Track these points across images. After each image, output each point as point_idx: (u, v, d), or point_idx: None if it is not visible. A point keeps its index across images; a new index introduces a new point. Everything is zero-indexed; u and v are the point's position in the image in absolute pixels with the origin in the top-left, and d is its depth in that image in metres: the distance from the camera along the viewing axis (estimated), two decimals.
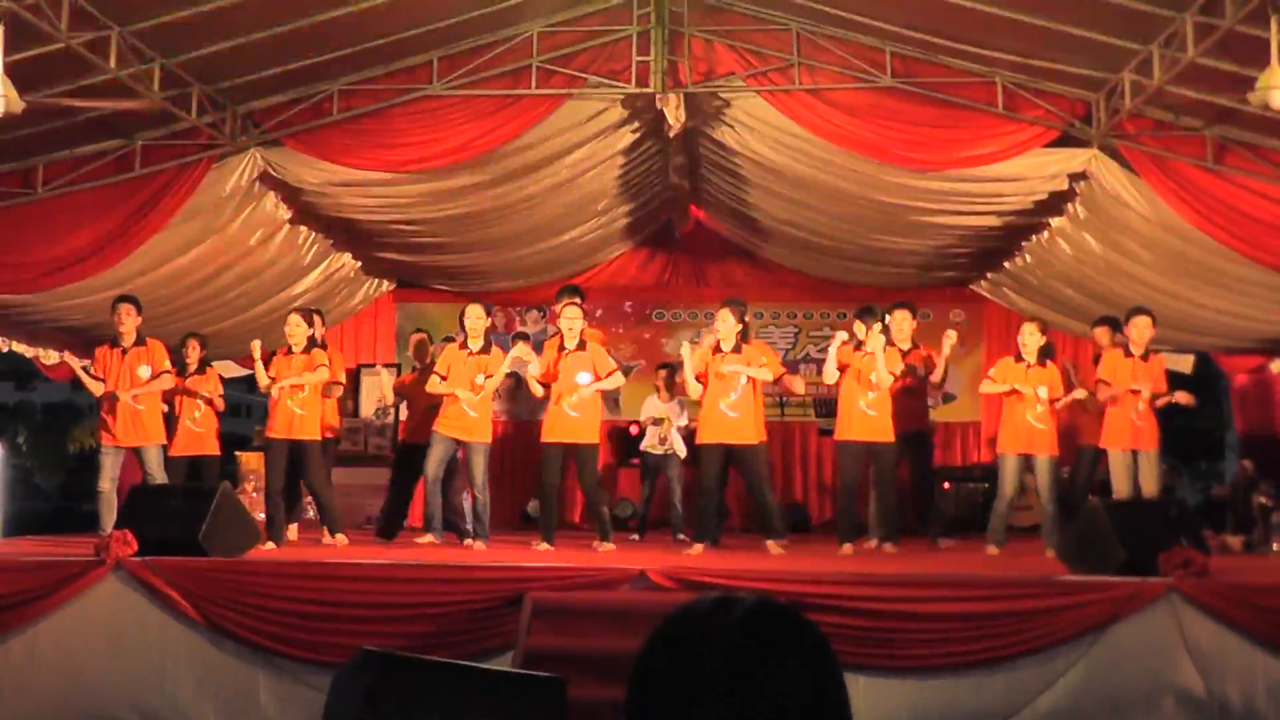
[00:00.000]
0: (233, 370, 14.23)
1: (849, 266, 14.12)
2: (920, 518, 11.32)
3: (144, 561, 7.64)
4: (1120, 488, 9.60)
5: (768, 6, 9.86)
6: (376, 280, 14.47)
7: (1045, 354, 9.94)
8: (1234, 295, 10.98)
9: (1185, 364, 14.75)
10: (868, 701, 6.99)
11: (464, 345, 9.97)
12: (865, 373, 9.65)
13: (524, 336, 14.32)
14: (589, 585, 7.56)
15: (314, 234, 12.20)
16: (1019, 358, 9.91)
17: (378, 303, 15.05)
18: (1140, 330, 9.69)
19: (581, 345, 9.85)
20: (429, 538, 9.91)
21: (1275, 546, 10.36)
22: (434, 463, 9.89)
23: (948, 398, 11.03)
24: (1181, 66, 8.41)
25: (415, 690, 3.06)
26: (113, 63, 8.60)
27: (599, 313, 15.13)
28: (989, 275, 13.89)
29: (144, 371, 9.75)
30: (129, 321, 9.79)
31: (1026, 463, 9.79)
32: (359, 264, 13.64)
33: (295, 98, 10.18)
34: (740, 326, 9.64)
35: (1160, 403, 9.70)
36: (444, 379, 9.88)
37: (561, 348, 9.85)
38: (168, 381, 9.97)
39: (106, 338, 9.99)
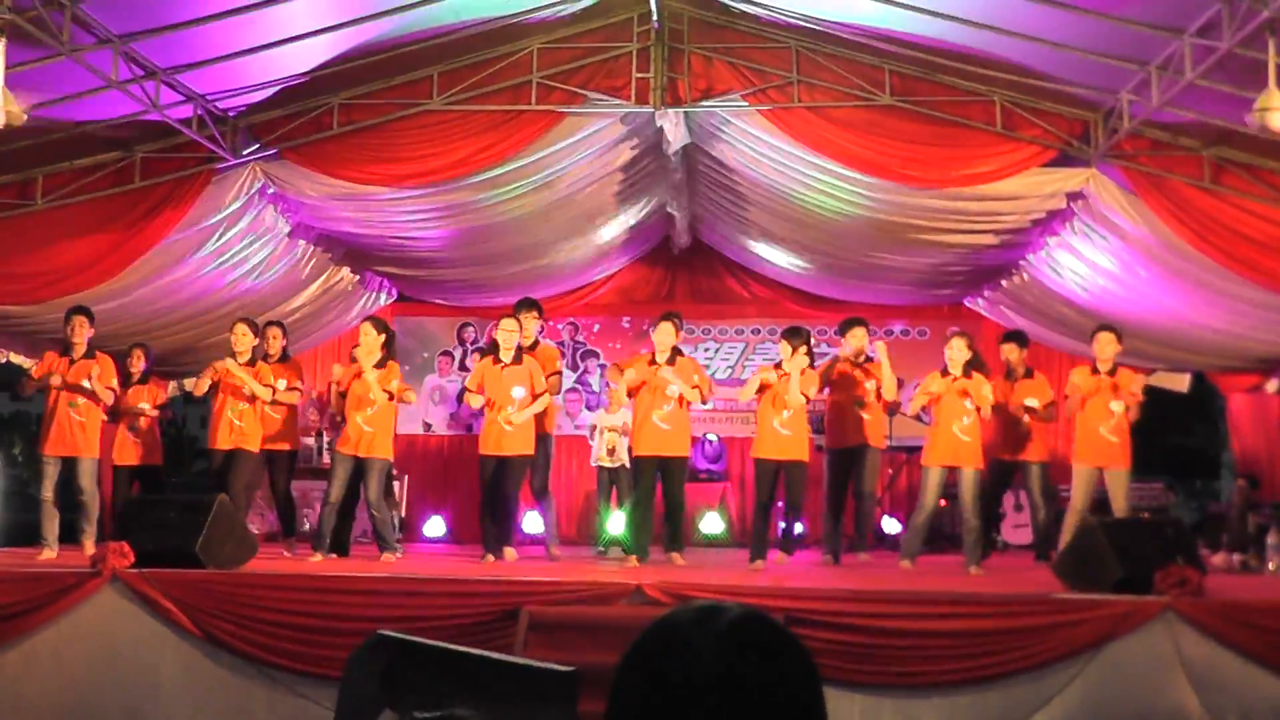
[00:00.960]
0: None
1: (845, 283, 14.13)
2: (857, 531, 11.18)
3: (140, 573, 7.63)
4: (1076, 502, 9.65)
5: (767, 25, 9.90)
6: (374, 294, 14.46)
7: (971, 366, 9.91)
8: (1230, 314, 11.00)
9: (1181, 382, 14.75)
10: (863, 719, 6.99)
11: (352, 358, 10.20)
12: (780, 393, 9.69)
13: None
14: (585, 600, 7.55)
15: (312, 247, 12.20)
16: (945, 371, 9.90)
17: (376, 315, 15.03)
18: (1104, 346, 9.76)
19: (518, 359, 9.88)
20: (391, 556, 9.86)
21: (1271, 565, 10.36)
22: (337, 484, 9.83)
23: (892, 411, 10.98)
24: (1180, 88, 8.44)
25: (429, 675, 3.07)
26: (114, 75, 8.62)
27: (596, 327, 15.16)
28: (986, 293, 13.91)
29: (87, 383, 9.72)
30: (81, 333, 9.79)
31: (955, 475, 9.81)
32: (357, 277, 13.64)
33: (295, 111, 10.20)
34: (676, 340, 9.85)
35: (1133, 414, 9.70)
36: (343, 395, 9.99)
37: (497, 360, 9.89)
38: (106, 396, 9.86)
39: (114, 350, 10.00)
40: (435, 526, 14.24)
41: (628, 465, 11.94)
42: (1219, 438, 19.07)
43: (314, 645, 7.35)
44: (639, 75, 10.01)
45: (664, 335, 9.80)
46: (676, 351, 9.87)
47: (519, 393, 9.76)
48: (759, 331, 15.01)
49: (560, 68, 10.10)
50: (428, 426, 15.16)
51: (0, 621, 7.52)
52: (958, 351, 9.82)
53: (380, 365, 9.83)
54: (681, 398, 9.75)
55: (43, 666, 7.51)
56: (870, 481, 10.67)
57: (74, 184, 10.19)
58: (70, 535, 9.94)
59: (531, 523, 12.56)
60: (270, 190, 10.69)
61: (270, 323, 11.00)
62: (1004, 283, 13.20)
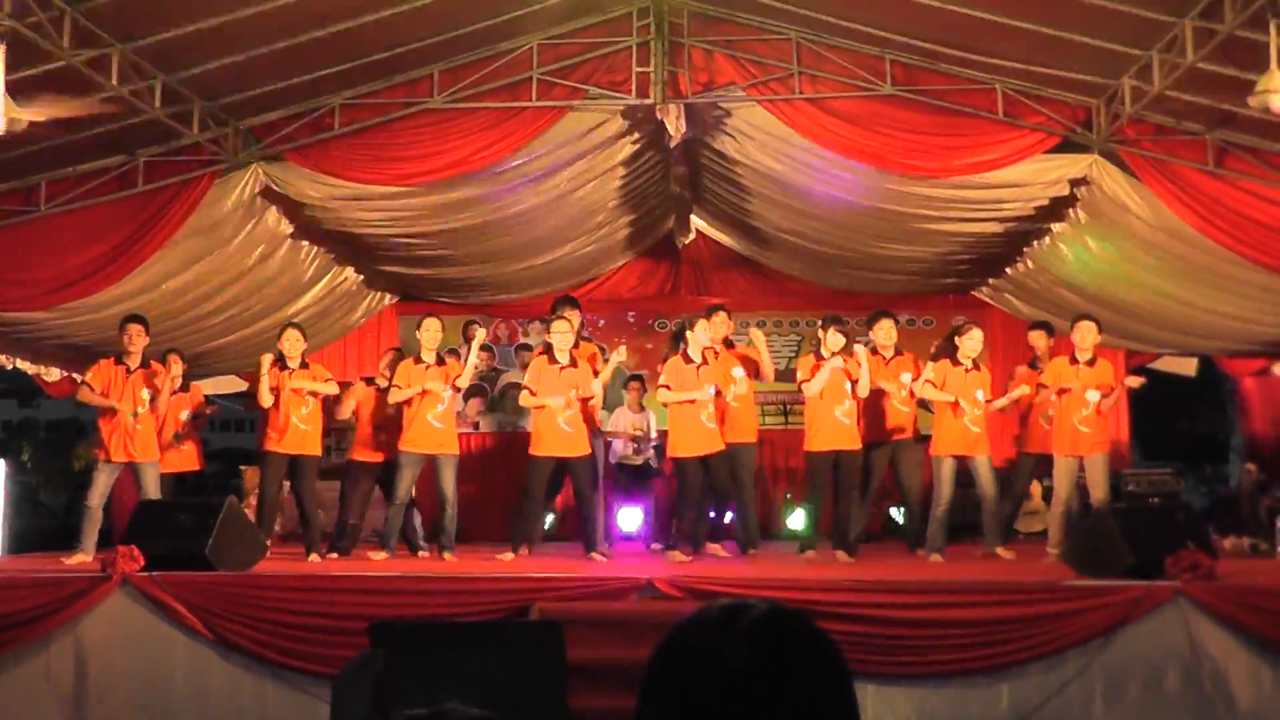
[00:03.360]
0: (235, 385, 14.26)
1: (851, 275, 14.13)
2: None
3: (151, 576, 7.65)
4: (1060, 493, 9.69)
5: (767, 16, 9.88)
6: (379, 294, 14.47)
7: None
8: (1236, 298, 10.99)
9: (1189, 367, 14.75)
10: (875, 709, 7.00)
11: (419, 359, 10.09)
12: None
13: (527, 349, 14.32)
14: (596, 595, 7.56)
15: (316, 248, 12.21)
16: (956, 362, 10.05)
17: (380, 316, 15.05)
18: (1084, 335, 9.78)
19: (573, 363, 9.91)
20: (383, 555, 9.82)
21: None
22: (406, 485, 9.97)
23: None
24: (1181, 71, 8.42)
25: (418, 655, 3.09)
26: (115, 80, 8.62)
27: (601, 323, 15.14)
28: (991, 281, 13.90)
29: (146, 395, 9.76)
30: (138, 342, 9.81)
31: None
32: (361, 278, 13.65)
33: (297, 112, 10.19)
34: (708, 333, 9.96)
35: (1106, 404, 9.67)
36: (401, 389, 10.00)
37: (554, 361, 9.89)
38: (163, 404, 9.99)
39: (111, 353, 9.98)
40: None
41: (653, 464, 12.06)
42: (1228, 422, 19.07)
43: (325, 645, 7.35)
44: (639, 69, 9.99)
45: (700, 333, 9.88)
46: (727, 344, 10.09)
47: (573, 394, 9.81)
48: (764, 324, 14.99)
49: (560, 63, 10.08)
50: None
51: (15, 627, 7.54)
52: (973, 342, 9.89)
53: (441, 362, 10.12)
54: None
55: (57, 671, 7.53)
56: (916, 476, 10.62)
57: (77, 189, 10.20)
58: (109, 541, 9.94)
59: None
60: (273, 191, 10.68)
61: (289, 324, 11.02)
62: (1009, 270, 13.19)
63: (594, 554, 9.70)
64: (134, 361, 9.81)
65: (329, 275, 12.94)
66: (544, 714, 3.57)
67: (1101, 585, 7.26)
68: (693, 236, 14.27)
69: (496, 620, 6.96)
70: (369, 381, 11.12)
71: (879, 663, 7.00)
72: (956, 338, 10.09)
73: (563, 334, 9.92)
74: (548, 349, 10.01)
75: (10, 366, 11.87)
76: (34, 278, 10.20)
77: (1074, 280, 12.10)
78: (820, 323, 10.25)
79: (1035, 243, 12.02)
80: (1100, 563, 7.60)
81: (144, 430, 9.79)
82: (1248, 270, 9.98)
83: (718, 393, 9.89)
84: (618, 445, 12.33)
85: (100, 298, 10.46)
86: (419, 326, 10.26)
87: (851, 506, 9.99)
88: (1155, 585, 7.09)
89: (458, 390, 10.18)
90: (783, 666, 1.41)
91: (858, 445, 9.89)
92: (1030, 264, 12.59)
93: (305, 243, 11.96)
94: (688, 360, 9.81)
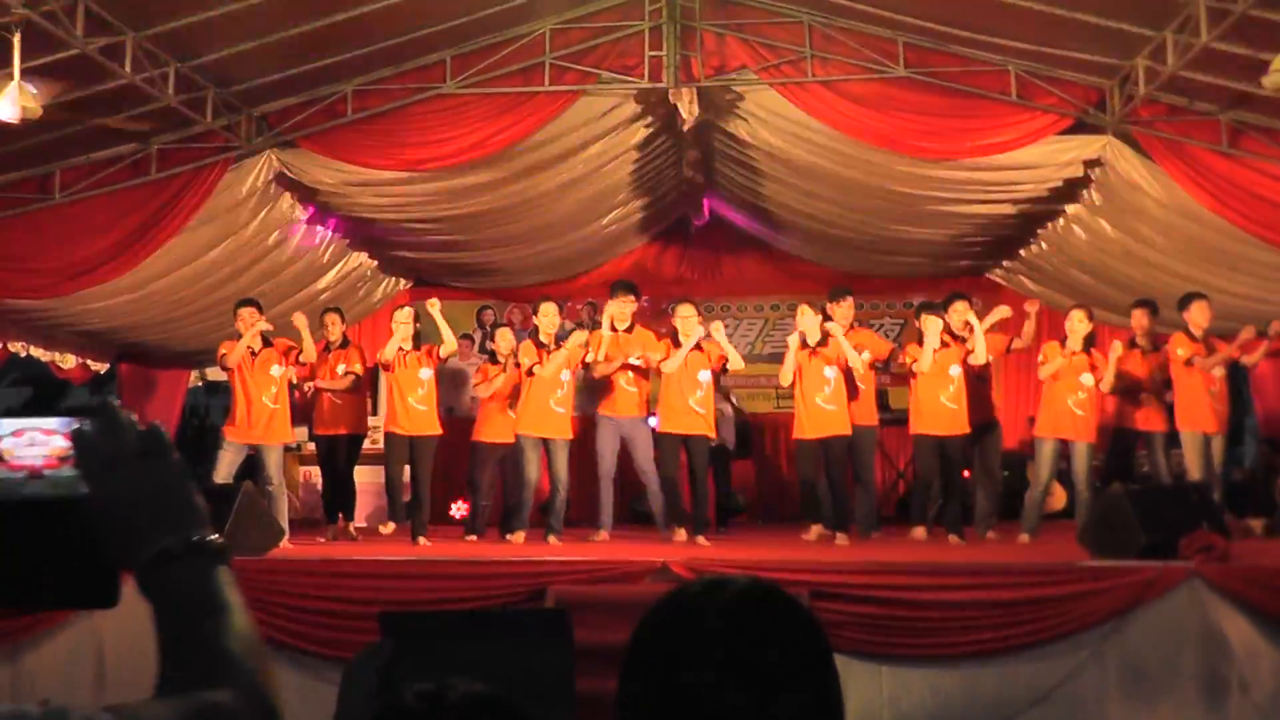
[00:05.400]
0: None
1: (864, 257, 14.09)
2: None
3: None
4: (1194, 470, 9.60)
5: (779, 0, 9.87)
6: (394, 278, 14.47)
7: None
8: (1250, 279, 10.94)
9: None
10: (891, 691, 7.02)
11: (538, 343, 10.13)
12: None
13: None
14: (611, 579, 7.59)
15: (329, 233, 12.22)
16: (1063, 343, 10.03)
17: (396, 300, 15.04)
18: (1205, 313, 9.85)
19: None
20: (520, 536, 9.88)
21: None
22: (536, 466, 9.99)
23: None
24: (1195, 51, 8.39)
25: (425, 643, 3.12)
26: (128, 68, 8.64)
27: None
28: (1005, 263, 13.85)
29: (276, 370, 9.89)
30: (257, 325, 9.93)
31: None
32: (376, 263, 13.66)
33: (310, 99, 10.20)
34: (819, 318, 10.02)
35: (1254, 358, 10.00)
36: (530, 374, 9.99)
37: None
38: (343, 383, 10.58)
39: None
40: (459, 509, 14.25)
41: (728, 446, 12.07)
42: (1242, 403, 18.98)
43: (341, 630, 7.40)
44: (652, 54, 9.98)
45: (808, 320, 10.00)
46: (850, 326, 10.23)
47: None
48: (778, 307, 14.98)
49: (573, 48, 10.08)
50: (450, 410, 15.16)
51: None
52: (1078, 324, 9.94)
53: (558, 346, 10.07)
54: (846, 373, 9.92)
55: (80, 656, 7.58)
56: (996, 458, 10.59)
57: (92, 177, 10.22)
58: None
59: None
60: (286, 178, 10.70)
61: (329, 309, 11.14)
62: (1022, 252, 13.15)
63: (696, 537, 9.69)
64: (255, 344, 9.92)
65: (344, 260, 12.95)
66: (551, 701, 3.59)
67: (1116, 566, 7.27)
68: (705, 220, 14.17)
69: (505, 608, 7.00)
70: (492, 358, 11.27)
71: (895, 644, 7.04)
72: (1066, 323, 10.12)
73: (686, 318, 9.99)
74: (672, 334, 10.12)
75: (25, 354, 11.90)
76: (49, 265, 10.24)
77: (1087, 262, 12.04)
78: (916, 310, 10.34)
79: (1049, 224, 11.98)
80: (1114, 544, 7.61)
81: (278, 411, 9.89)
82: (1261, 250, 9.96)
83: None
84: None
85: (115, 284, 10.49)
86: (535, 311, 10.33)
87: (958, 490, 10.12)
88: (1169, 566, 7.10)
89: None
90: (763, 639, 1.42)
91: (965, 429, 9.93)
92: (1044, 246, 12.55)
93: (319, 228, 11.97)
94: (804, 346, 9.94)
